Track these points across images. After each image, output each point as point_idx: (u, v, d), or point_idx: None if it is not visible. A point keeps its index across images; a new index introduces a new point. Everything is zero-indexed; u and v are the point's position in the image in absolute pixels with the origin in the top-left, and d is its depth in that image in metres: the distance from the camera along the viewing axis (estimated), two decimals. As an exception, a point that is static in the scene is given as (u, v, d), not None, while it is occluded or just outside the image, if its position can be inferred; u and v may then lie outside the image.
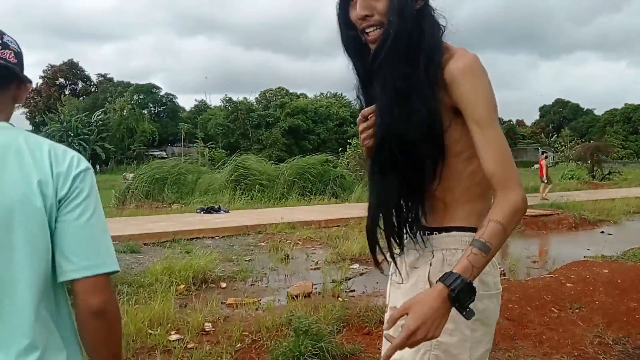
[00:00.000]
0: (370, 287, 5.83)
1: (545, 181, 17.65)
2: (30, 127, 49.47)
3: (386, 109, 1.39)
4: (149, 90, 57.01)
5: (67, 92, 58.97)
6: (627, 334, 4.40)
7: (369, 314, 4.30)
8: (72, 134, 43.04)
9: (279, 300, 5.45)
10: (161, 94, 58.29)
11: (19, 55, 1.24)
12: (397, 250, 1.53)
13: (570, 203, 13.59)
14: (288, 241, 8.93)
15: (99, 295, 1.16)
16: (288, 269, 7.10)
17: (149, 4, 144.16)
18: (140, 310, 4.24)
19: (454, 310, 1.25)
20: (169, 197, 15.26)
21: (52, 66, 60.61)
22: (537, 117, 79.78)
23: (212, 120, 48.55)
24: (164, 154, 42.81)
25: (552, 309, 4.82)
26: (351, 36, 1.49)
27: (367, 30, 1.42)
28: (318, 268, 7.18)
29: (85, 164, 1.22)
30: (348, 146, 22.45)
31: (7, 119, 1.25)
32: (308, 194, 16.40)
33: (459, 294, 1.22)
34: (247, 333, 3.98)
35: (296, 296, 5.18)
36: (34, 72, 59.83)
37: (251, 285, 6.32)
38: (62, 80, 60.86)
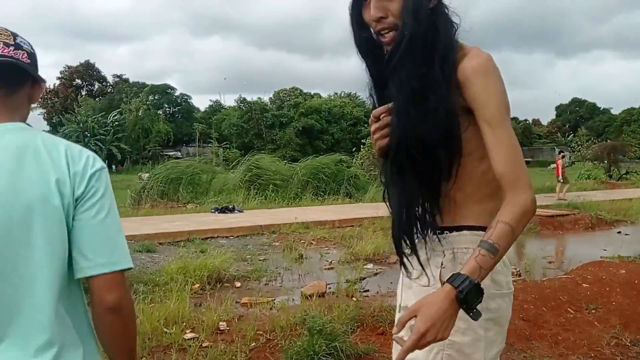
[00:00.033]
0: (385, 287, 5.82)
1: (562, 181, 17.49)
2: (47, 128, 50.10)
3: (403, 110, 1.39)
4: (164, 90, 57.43)
5: (83, 93, 59.70)
6: (645, 336, 4.34)
7: (383, 314, 4.30)
8: (88, 135, 43.56)
9: (293, 299, 5.46)
10: (176, 94, 58.74)
11: (32, 55, 1.26)
12: (407, 250, 1.53)
13: (586, 203, 13.45)
14: (302, 241, 8.94)
15: (114, 292, 1.19)
16: (302, 269, 7.11)
17: (164, 5, 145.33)
18: (155, 309, 4.28)
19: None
20: (184, 197, 15.35)
21: (69, 67, 61.43)
22: (554, 117, 79.01)
23: (226, 121, 48.76)
24: (179, 154, 43.12)
25: (568, 309, 4.78)
26: (364, 37, 1.49)
27: (382, 32, 1.42)
28: (332, 268, 7.19)
29: (100, 163, 1.24)
30: (362, 146, 22.45)
31: (23, 119, 1.27)
32: (322, 194, 16.41)
33: (467, 296, 1.22)
34: (261, 332, 4.00)
35: (310, 296, 5.19)
36: (51, 73, 60.67)
37: (265, 284, 6.34)
38: (78, 81, 61.59)
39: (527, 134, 63.42)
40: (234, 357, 3.59)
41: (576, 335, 4.26)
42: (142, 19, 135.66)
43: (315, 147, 42.79)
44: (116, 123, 46.41)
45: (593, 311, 4.78)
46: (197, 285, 5.77)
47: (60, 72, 60.74)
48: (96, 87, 63.27)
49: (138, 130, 47.16)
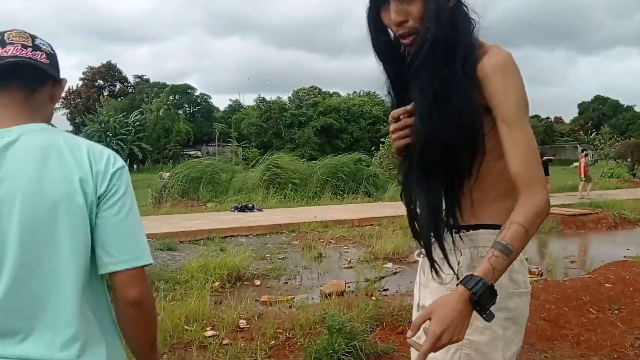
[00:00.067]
0: (404, 287, 5.81)
1: (584, 179, 17.24)
2: (70, 128, 50.92)
3: (426, 114, 1.37)
4: (184, 90, 57.99)
5: (105, 94, 60.49)
6: (670, 337, 4.27)
7: (402, 313, 4.29)
8: (110, 134, 44.17)
9: (312, 298, 5.48)
10: (196, 94, 59.26)
11: (50, 56, 1.29)
12: (424, 250, 1.53)
13: (609, 202, 13.25)
14: (321, 240, 8.95)
15: (136, 287, 1.23)
16: (321, 268, 7.13)
17: (184, 6, 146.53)
18: (176, 307, 4.33)
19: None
20: (204, 196, 15.48)
21: (91, 68, 62.26)
22: (576, 114, 77.94)
23: (245, 120, 49.04)
24: (199, 153, 43.42)
25: (590, 309, 4.72)
26: (382, 40, 1.49)
27: (404, 36, 1.41)
28: (351, 267, 7.19)
29: (120, 162, 1.28)
30: (381, 145, 22.36)
31: (46, 119, 1.30)
32: (341, 192, 16.41)
33: (480, 297, 1.22)
34: (280, 330, 4.02)
35: (329, 294, 5.20)
36: (74, 74, 61.43)
37: (284, 283, 6.37)
38: (100, 81, 62.42)
39: (549, 132, 62.66)
40: (254, 354, 3.62)
41: (598, 336, 4.21)
42: (163, 20, 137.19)
43: (334, 146, 42.77)
44: (137, 123, 46.99)
45: (616, 312, 4.71)
46: (217, 283, 5.82)
47: (83, 73, 61.73)
48: (118, 87, 64.10)
49: (159, 130, 47.68)
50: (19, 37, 1.25)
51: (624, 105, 74.90)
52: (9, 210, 1.14)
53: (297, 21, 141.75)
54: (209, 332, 3.99)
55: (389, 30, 1.46)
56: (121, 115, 47.21)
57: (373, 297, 5.05)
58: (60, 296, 1.18)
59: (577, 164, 20.62)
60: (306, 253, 7.97)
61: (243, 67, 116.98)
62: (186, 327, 4.01)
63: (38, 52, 1.25)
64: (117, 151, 1.43)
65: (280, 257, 7.69)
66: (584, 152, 19.27)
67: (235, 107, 58.83)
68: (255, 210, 12.88)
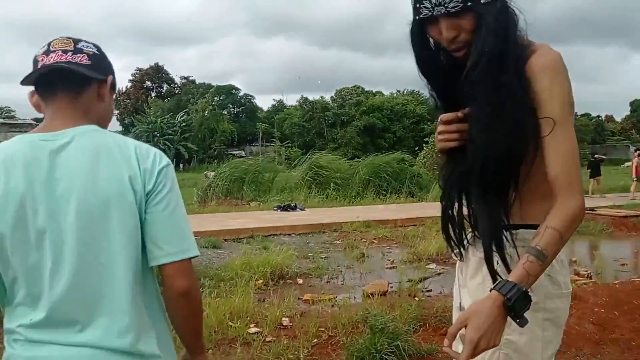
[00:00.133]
0: (448, 288, 5.74)
1: (636, 180, 16.63)
2: (120, 128, 52.46)
3: (489, 129, 1.35)
4: (229, 91, 58.78)
5: (153, 95, 62.00)
6: None
7: (446, 314, 4.24)
8: (158, 134, 45.25)
9: (354, 297, 5.48)
10: (240, 94, 59.98)
11: (93, 56, 1.34)
12: (455, 250, 1.53)
13: (664, 204, 12.74)
14: (363, 239, 8.95)
15: (185, 278, 1.29)
16: (363, 267, 7.12)
17: (228, 7, 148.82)
18: (221, 303, 4.41)
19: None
20: (248, 195, 15.69)
21: (139, 70, 63.88)
22: (628, 112, 75.01)
23: (288, 120, 49.35)
24: (243, 153, 44.01)
25: (643, 314, 4.55)
26: (425, 56, 1.48)
27: (456, 50, 1.40)
28: (394, 267, 7.15)
29: (166, 160, 1.33)
30: (425, 144, 22.13)
31: (100, 118, 1.37)
32: (384, 192, 16.35)
33: (515, 303, 1.21)
34: (323, 329, 4.04)
35: (372, 294, 5.20)
36: (123, 76, 63.01)
37: (327, 282, 6.40)
38: (148, 83, 63.98)
39: (600, 131, 60.62)
40: (296, 352, 3.65)
41: (652, 342, 4.05)
42: (208, 22, 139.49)
43: (377, 146, 42.51)
44: (183, 123, 48.00)
45: (671, 317, 4.52)
46: (260, 281, 5.89)
47: (132, 75, 63.38)
48: (165, 88, 65.57)
49: (204, 130, 48.59)
50: (61, 43, 1.31)
51: (680, 102, 71.70)
52: (66, 209, 1.21)
53: (341, 20, 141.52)
54: (253, 329, 4.05)
55: (433, 43, 1.46)
56: (168, 115, 48.33)
57: (416, 298, 5.01)
58: (115, 288, 1.24)
59: (628, 163, 19.97)
60: (348, 253, 7.97)
61: (287, 67, 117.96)
62: (230, 323, 4.08)
63: (79, 54, 1.31)
64: (164, 151, 1.49)
65: (323, 257, 7.72)
66: (637, 151, 18.57)
67: (279, 107, 59.25)
68: (298, 209, 12.97)
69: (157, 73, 64.35)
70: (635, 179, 16.68)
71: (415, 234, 9.01)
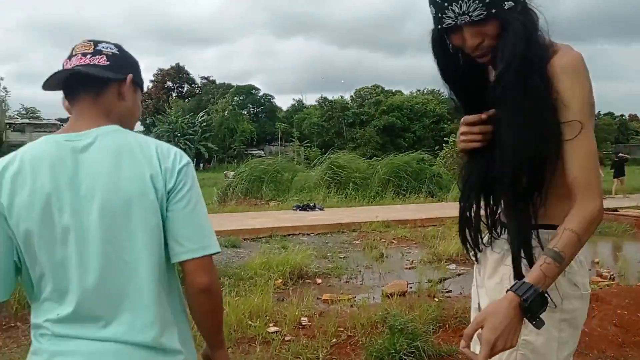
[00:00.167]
0: (468, 289, 5.69)
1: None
2: (141, 128, 53.01)
3: (520, 133, 1.35)
4: (249, 91, 59.10)
5: (174, 95, 62.61)
6: None
7: (466, 315, 4.21)
8: (178, 134, 45.72)
9: (373, 297, 5.48)
10: (260, 94, 60.24)
11: (112, 57, 1.36)
12: (471, 252, 1.53)
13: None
14: (382, 240, 8.92)
15: (206, 274, 1.31)
16: (382, 268, 7.11)
17: (248, 8, 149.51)
18: (241, 302, 4.44)
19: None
20: (267, 195, 15.75)
21: (161, 70, 64.55)
22: (654, 112, 73.66)
23: (307, 120, 49.41)
24: (262, 152, 44.22)
25: (669, 318, 4.46)
26: (448, 64, 1.48)
27: (481, 56, 1.40)
28: (413, 267, 7.13)
29: (186, 158, 1.36)
30: (445, 144, 21.98)
31: (124, 117, 1.40)
32: (403, 192, 16.28)
33: (531, 305, 1.21)
34: (342, 329, 4.05)
35: (391, 294, 5.18)
36: (145, 76, 62.26)
37: (346, 282, 6.40)
38: (169, 83, 64.66)
39: (623, 130, 59.60)
40: (315, 352, 3.66)
41: (677, 346, 3.98)
42: (228, 22, 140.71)
43: (397, 145, 42.29)
44: (204, 123, 48.41)
45: (697, 321, 4.44)
46: (279, 281, 5.92)
47: (153, 75, 64.10)
48: (185, 88, 66.19)
49: (224, 130, 48.91)
50: (82, 47, 1.35)
51: None
52: (89, 208, 1.24)
53: (360, 19, 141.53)
54: (272, 328, 4.07)
55: (452, 47, 1.45)
56: (188, 115, 48.79)
57: (436, 299, 4.99)
58: (138, 284, 1.27)
59: (654, 164, 19.53)
60: (368, 253, 7.96)
61: (306, 67, 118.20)
62: (250, 322, 4.11)
63: (97, 56, 1.34)
64: (185, 150, 1.51)
65: (342, 256, 7.72)
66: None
67: (298, 107, 59.39)
68: (317, 209, 12.99)
69: (178, 73, 64.98)
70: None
71: (434, 234, 8.96)
